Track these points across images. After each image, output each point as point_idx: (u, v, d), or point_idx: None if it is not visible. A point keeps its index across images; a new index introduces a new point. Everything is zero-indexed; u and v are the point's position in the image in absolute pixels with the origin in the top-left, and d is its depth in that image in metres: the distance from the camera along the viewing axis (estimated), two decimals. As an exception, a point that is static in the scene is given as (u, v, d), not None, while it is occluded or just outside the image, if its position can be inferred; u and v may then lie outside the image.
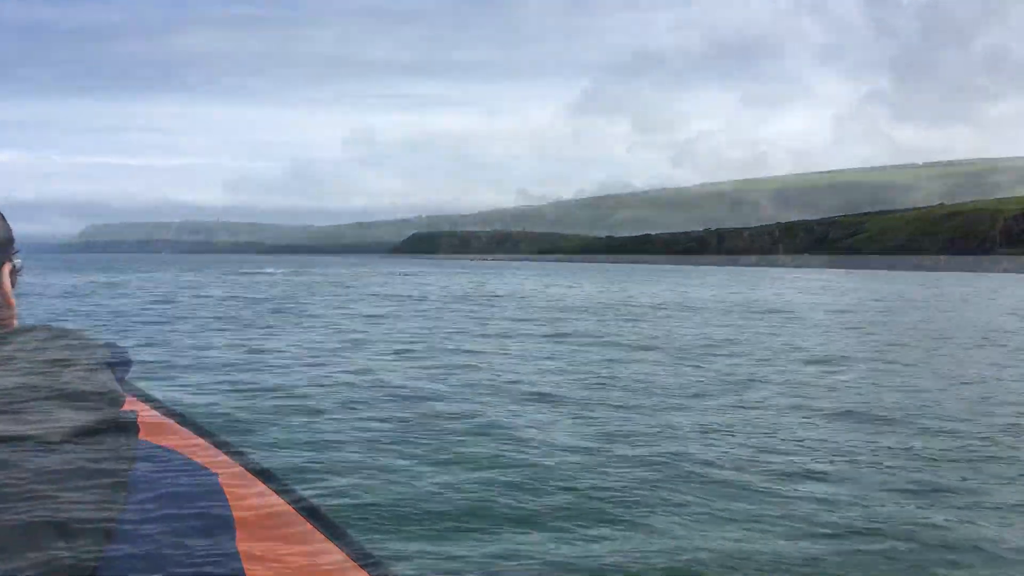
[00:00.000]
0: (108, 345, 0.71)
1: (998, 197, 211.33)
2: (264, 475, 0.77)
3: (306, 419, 9.37)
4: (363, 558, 0.71)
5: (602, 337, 19.53)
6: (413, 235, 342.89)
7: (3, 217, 0.74)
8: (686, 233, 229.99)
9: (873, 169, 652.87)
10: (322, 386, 11.59)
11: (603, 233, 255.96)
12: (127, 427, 0.63)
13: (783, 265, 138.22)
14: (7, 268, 0.72)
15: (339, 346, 16.81)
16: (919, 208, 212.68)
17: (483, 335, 19.70)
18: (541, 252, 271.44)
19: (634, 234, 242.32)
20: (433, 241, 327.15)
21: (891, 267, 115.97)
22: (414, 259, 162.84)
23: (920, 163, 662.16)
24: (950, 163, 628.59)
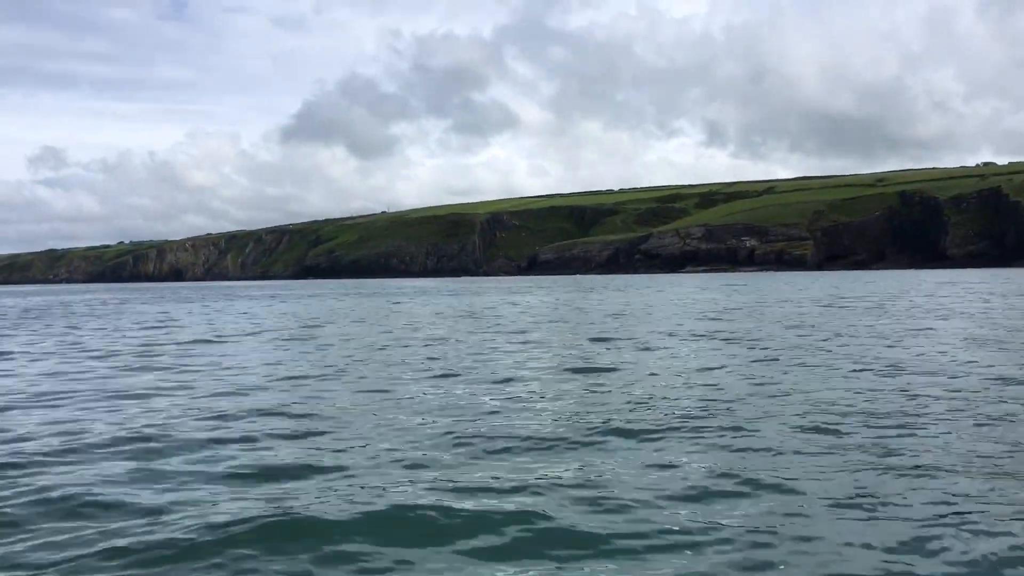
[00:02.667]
0: None
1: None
2: None
3: None
4: None
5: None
6: (114, 262, 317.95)
7: None
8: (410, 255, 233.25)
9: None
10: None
11: (323, 257, 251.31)
12: None
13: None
14: None
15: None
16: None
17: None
18: (253, 277, 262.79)
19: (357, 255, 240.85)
20: (138, 268, 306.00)
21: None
22: (124, 288, 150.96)
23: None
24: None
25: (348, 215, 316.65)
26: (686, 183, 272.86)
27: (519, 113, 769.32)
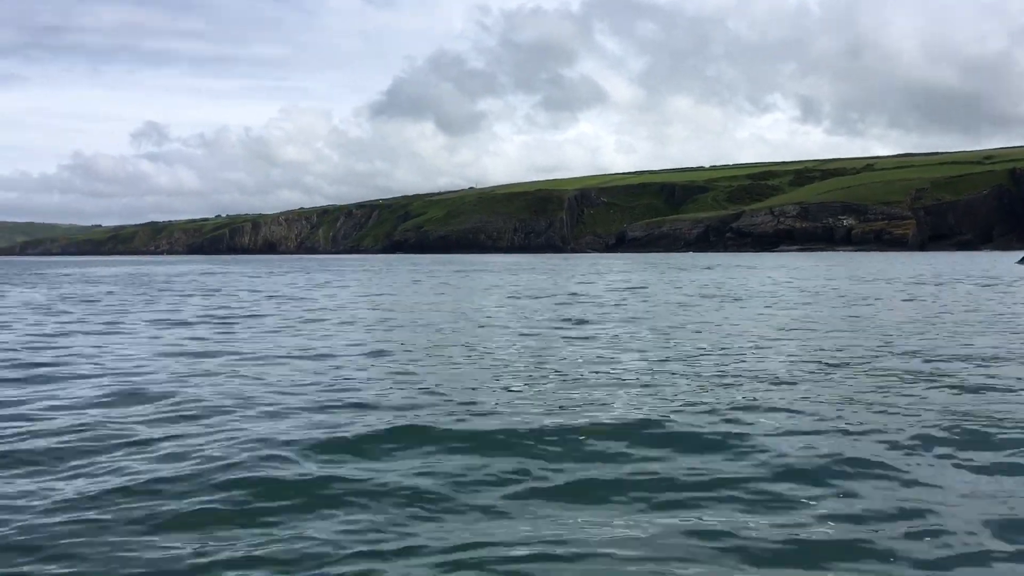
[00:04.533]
0: None
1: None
2: None
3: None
4: None
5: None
6: (212, 235, 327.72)
7: None
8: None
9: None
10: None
11: (412, 232, 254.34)
12: None
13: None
14: None
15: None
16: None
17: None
18: (346, 251, 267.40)
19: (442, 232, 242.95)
20: (234, 240, 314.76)
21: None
22: (221, 260, 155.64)
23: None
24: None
25: (436, 191, 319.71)
26: (779, 160, 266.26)
27: (607, 89, 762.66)
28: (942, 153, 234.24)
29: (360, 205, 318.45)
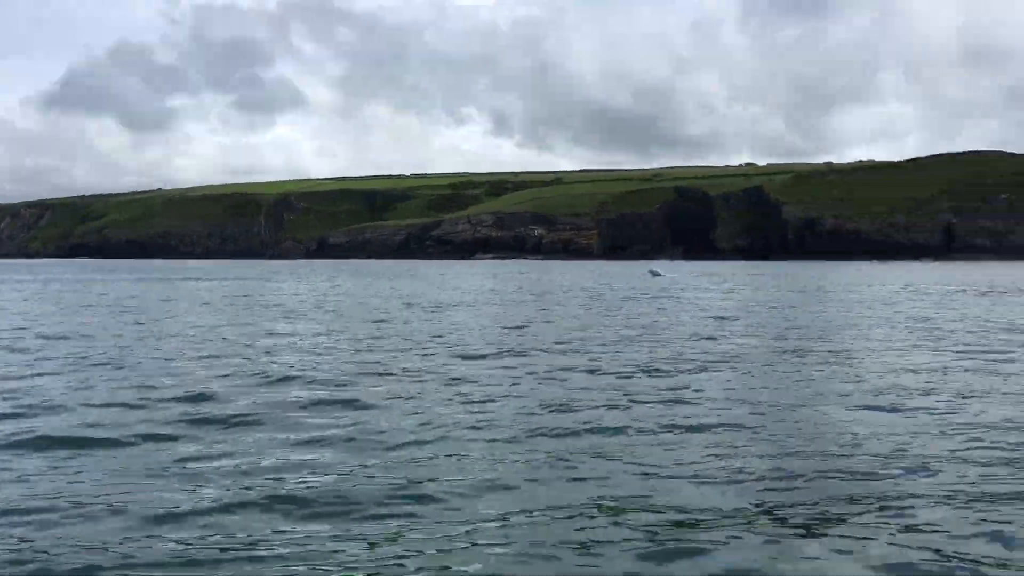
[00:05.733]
0: None
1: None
2: None
3: None
4: None
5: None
6: None
7: None
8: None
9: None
10: None
11: (92, 235, 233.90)
12: None
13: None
14: None
15: None
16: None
17: None
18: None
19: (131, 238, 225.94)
20: None
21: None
22: None
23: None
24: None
25: (120, 191, 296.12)
26: (476, 171, 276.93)
27: (306, 92, 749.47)
28: (619, 170, 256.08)
29: (30, 204, 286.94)
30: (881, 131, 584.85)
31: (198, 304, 32.39)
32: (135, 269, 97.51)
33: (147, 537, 6.14)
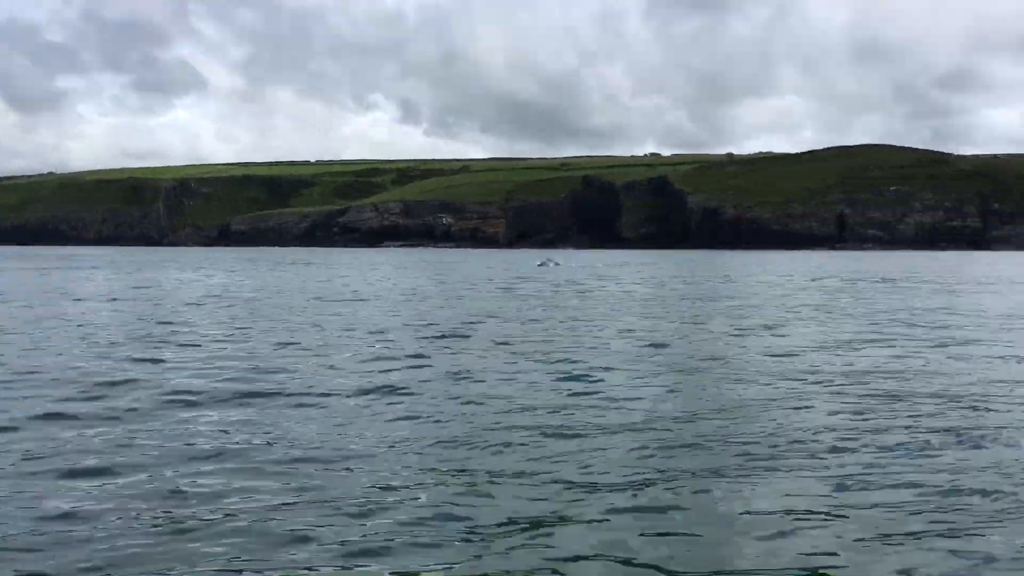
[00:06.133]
0: None
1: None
2: None
3: None
4: None
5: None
6: None
7: None
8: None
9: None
10: None
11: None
12: None
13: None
14: None
15: None
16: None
17: None
18: None
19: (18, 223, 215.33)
20: None
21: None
22: None
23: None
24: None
25: (7, 175, 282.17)
26: (383, 158, 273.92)
27: (206, 75, 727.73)
28: (526, 159, 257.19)
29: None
30: (779, 123, 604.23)
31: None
32: (16, 255, 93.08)
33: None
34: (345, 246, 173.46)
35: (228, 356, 13.97)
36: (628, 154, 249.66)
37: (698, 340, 16.93)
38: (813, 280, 43.91)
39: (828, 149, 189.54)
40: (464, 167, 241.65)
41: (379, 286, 36.24)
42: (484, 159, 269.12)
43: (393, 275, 48.61)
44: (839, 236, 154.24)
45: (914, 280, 43.20)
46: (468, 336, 17.20)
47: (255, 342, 15.95)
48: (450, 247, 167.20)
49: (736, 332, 18.30)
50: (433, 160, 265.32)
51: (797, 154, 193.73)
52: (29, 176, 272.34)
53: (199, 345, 15.39)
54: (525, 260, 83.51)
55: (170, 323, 19.74)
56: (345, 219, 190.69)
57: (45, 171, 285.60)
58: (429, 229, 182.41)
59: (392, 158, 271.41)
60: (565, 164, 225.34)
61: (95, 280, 41.19)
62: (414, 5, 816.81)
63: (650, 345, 15.82)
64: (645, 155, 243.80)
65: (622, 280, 43.51)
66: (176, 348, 15.03)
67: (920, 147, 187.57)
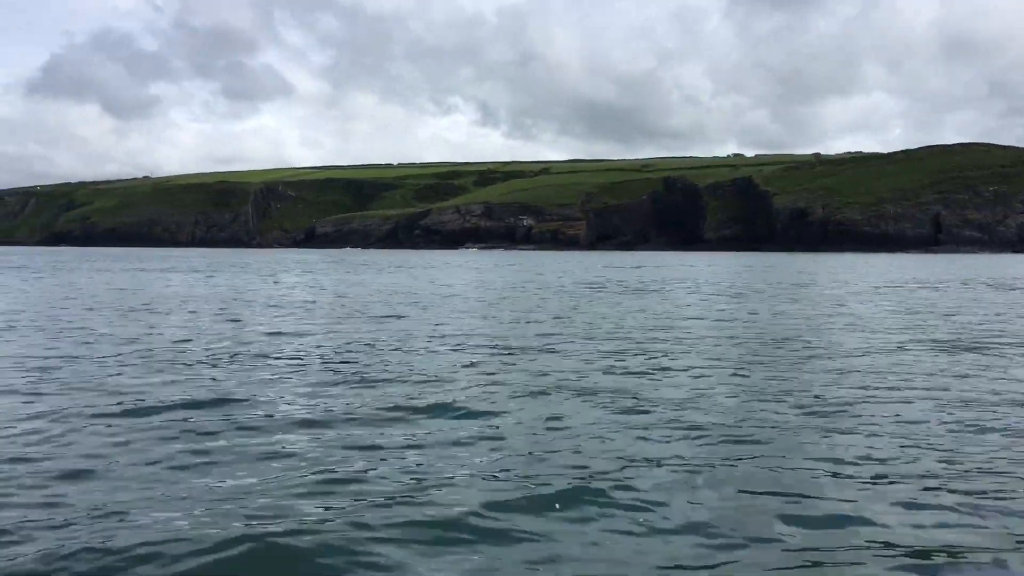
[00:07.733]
0: None
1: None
2: None
3: None
4: None
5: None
6: None
7: None
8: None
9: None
10: None
11: (77, 223, 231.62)
12: None
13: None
14: None
15: None
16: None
17: None
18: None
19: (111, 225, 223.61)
20: None
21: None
22: None
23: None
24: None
25: (104, 179, 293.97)
26: (463, 160, 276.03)
27: (291, 80, 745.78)
28: (605, 160, 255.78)
29: (12, 192, 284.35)
30: (865, 122, 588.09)
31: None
32: (115, 257, 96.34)
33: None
34: (427, 248, 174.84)
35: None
36: (708, 155, 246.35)
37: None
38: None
39: (923, 148, 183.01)
40: (544, 169, 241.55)
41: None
42: (564, 160, 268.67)
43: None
44: (934, 238, 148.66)
45: None
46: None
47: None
48: (531, 249, 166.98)
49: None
50: (514, 162, 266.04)
51: (889, 154, 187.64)
52: (124, 181, 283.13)
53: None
54: (592, 262, 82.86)
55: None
56: (427, 221, 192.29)
57: (139, 175, 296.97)
58: (510, 231, 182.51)
59: (471, 160, 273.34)
60: (646, 165, 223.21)
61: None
62: (491, 8, 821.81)
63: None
64: (728, 156, 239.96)
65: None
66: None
67: (1020, 145, 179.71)
